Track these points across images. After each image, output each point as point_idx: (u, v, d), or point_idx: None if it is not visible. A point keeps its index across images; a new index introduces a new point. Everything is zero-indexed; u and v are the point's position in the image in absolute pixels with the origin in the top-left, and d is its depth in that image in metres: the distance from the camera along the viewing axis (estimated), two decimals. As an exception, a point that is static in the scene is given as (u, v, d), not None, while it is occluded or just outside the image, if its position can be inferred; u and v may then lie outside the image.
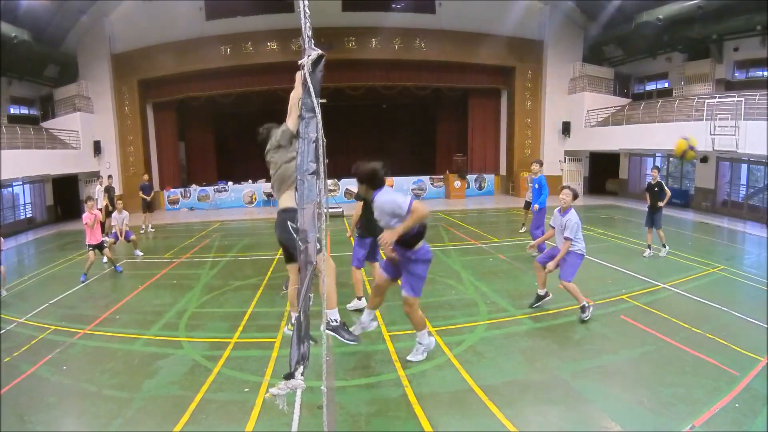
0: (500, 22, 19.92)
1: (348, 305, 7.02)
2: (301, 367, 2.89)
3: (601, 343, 5.73)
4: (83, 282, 9.26)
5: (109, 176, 15.38)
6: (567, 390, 4.63)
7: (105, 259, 10.32)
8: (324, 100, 3.00)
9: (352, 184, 21.41)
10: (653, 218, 9.84)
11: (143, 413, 4.44)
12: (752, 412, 4.14)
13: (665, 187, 9.87)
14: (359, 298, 6.99)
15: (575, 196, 6.48)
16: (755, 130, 12.95)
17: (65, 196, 19.48)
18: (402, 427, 4.08)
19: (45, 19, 17.04)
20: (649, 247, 9.92)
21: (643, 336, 5.87)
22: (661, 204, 9.74)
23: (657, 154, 19.29)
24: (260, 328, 6.52)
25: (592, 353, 5.44)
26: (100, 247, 9.73)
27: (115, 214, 11.33)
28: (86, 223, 9.57)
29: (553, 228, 6.67)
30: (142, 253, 11.67)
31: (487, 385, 4.72)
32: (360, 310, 6.48)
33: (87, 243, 9.63)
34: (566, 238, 6.33)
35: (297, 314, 2.93)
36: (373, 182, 4.74)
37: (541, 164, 10.91)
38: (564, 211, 6.45)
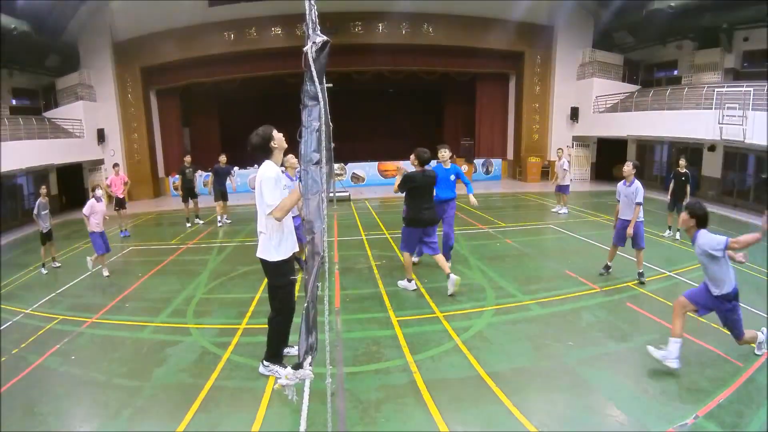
0: (510, 7, 19.64)
1: (399, 282, 7.49)
2: (310, 357, 2.91)
3: (607, 330, 5.74)
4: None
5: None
6: (573, 377, 4.66)
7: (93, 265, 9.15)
8: (330, 85, 2.98)
9: (358, 168, 21.41)
10: (676, 204, 10.29)
11: (153, 402, 4.49)
12: (755, 403, 4.15)
13: (689, 177, 10.44)
14: (409, 281, 7.32)
15: (636, 167, 7.39)
16: (762, 121, 12.82)
17: (70, 186, 19.52)
18: (411, 414, 4.12)
19: (45, 8, 16.92)
20: (669, 228, 10.59)
21: (649, 324, 5.88)
22: (687, 192, 10.19)
23: (665, 142, 19.14)
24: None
25: (598, 340, 5.46)
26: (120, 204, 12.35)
27: (95, 201, 8.99)
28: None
29: (619, 201, 7.47)
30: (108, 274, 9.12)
31: (494, 372, 4.75)
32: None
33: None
34: (638, 203, 7.12)
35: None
36: None
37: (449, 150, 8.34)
38: (630, 182, 7.27)
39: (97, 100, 19.83)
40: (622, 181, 7.43)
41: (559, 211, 13.62)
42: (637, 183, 7.24)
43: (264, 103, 24.76)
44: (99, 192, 9.07)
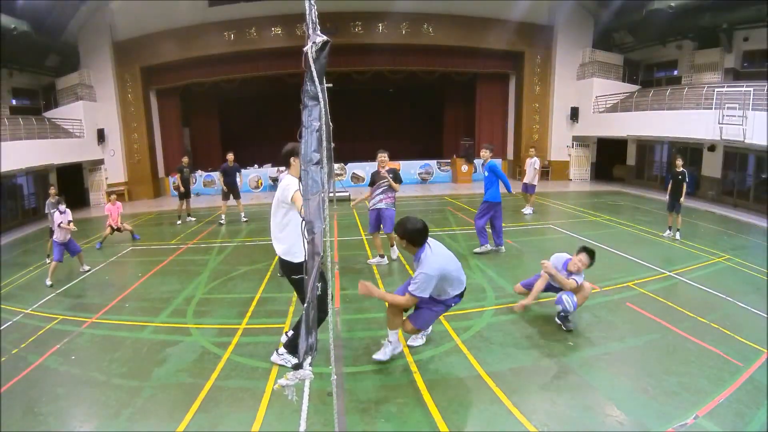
0: (510, 6, 19.68)
1: (369, 260, 8.87)
2: (310, 357, 2.91)
3: (607, 330, 5.73)
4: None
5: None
6: (573, 377, 4.65)
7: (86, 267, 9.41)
8: (330, 85, 2.98)
9: (358, 168, 21.46)
10: (674, 204, 10.33)
11: (153, 402, 4.48)
12: (755, 403, 4.14)
13: (686, 176, 10.43)
14: (381, 256, 8.78)
15: (590, 265, 5.74)
16: (762, 121, 12.83)
17: (70, 185, 19.54)
18: (411, 414, 4.11)
19: (45, 8, 16.92)
20: (669, 228, 10.59)
21: (649, 324, 5.88)
22: (683, 191, 10.20)
23: (665, 142, 19.16)
24: (269, 313, 6.56)
25: (598, 340, 5.45)
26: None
27: (58, 214, 8.86)
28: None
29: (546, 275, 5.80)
30: (88, 268, 9.44)
31: (494, 372, 4.74)
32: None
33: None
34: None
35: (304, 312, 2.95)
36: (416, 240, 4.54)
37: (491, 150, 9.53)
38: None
39: (97, 100, 19.84)
40: (565, 262, 5.82)
41: (525, 212, 13.60)
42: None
43: (264, 103, 24.78)
44: (63, 206, 8.94)
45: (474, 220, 9.48)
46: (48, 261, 9.73)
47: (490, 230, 9.35)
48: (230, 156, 13.60)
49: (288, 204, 4.52)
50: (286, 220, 4.60)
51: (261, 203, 17.60)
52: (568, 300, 5.45)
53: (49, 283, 8.49)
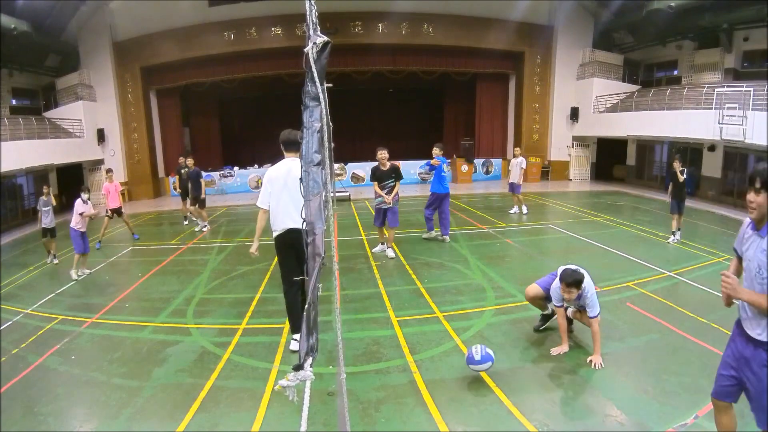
0: (510, 6, 19.70)
1: (373, 249, 9.60)
2: (310, 358, 2.91)
3: (607, 330, 5.71)
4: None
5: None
6: (573, 377, 4.65)
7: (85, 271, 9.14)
8: (330, 85, 2.98)
9: (358, 168, 21.48)
10: (679, 205, 10.08)
11: (153, 402, 4.48)
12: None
13: (685, 173, 10.24)
14: (382, 243, 9.48)
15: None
16: (762, 121, 12.83)
17: (70, 185, 19.52)
18: (411, 414, 4.11)
19: (45, 8, 16.92)
20: (673, 233, 10.12)
21: (649, 324, 5.87)
22: (685, 191, 10.11)
23: (665, 142, 19.17)
24: (268, 313, 6.55)
25: (598, 341, 5.45)
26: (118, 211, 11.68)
27: (80, 203, 8.95)
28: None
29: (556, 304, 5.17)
30: (87, 271, 9.16)
31: (494, 372, 4.73)
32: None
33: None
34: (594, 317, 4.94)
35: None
36: None
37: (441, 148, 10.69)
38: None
39: (97, 100, 19.85)
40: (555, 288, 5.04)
41: (521, 212, 13.43)
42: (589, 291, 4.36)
43: (264, 103, 24.81)
44: (85, 195, 9.07)
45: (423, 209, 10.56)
46: (49, 261, 9.95)
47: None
48: (189, 161, 13.10)
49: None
50: None
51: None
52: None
53: (75, 276, 8.66)
